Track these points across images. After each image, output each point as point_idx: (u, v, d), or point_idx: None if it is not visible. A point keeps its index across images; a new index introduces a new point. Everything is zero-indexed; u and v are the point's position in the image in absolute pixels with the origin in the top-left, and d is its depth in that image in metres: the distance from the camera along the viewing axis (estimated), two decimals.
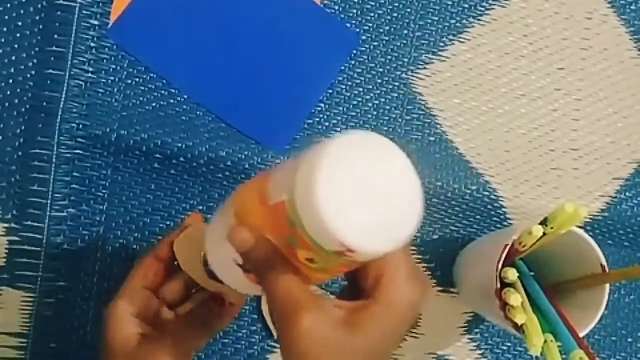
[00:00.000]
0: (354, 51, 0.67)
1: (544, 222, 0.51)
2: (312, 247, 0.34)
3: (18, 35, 0.62)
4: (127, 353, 0.47)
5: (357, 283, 0.39)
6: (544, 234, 0.51)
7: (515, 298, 0.51)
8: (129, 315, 0.49)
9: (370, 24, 0.67)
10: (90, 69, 0.63)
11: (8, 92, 0.61)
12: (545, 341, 0.51)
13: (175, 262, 0.51)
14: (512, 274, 0.52)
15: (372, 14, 0.67)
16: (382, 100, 0.67)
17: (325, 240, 0.33)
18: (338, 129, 0.66)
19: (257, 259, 0.37)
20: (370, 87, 0.67)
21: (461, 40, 0.68)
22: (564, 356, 0.50)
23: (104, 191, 0.63)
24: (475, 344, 0.68)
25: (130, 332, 0.48)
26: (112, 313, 0.49)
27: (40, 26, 0.62)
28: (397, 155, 0.35)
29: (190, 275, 0.50)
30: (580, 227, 0.55)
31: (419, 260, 0.67)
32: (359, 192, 0.33)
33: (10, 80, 0.61)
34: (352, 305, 0.37)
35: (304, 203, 0.33)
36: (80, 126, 0.62)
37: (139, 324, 0.49)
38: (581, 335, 0.53)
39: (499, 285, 0.53)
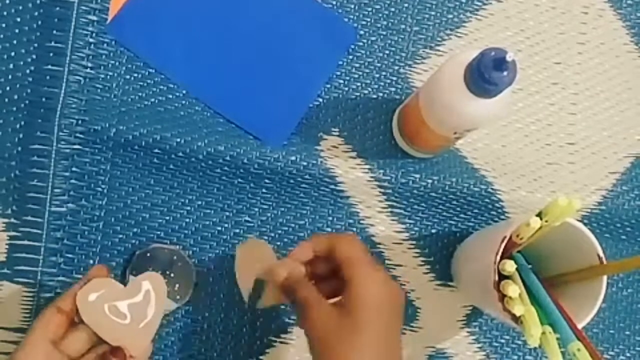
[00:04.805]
0: (352, 46, 0.67)
1: (538, 216, 0.52)
2: None
3: (17, 31, 0.62)
4: None
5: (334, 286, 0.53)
6: (540, 226, 0.51)
7: (514, 289, 0.51)
8: None
9: (368, 19, 0.67)
10: (89, 65, 0.63)
11: (7, 88, 0.61)
12: (544, 332, 0.51)
13: (78, 315, 0.52)
14: (510, 266, 0.52)
15: (369, 9, 0.67)
16: (380, 95, 0.67)
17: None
18: (337, 123, 0.66)
19: (289, 282, 0.53)
20: (368, 81, 0.67)
21: (458, 35, 0.69)
22: (562, 349, 0.50)
23: (103, 186, 0.63)
24: (474, 337, 0.68)
25: None
26: None
27: (39, 22, 0.62)
28: None
29: (92, 329, 0.52)
30: (577, 220, 0.55)
31: (417, 255, 0.67)
32: None
33: (10, 76, 0.61)
34: (342, 298, 0.51)
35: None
36: (80, 122, 0.62)
37: None
38: (579, 327, 0.53)
39: (497, 278, 0.54)
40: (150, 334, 0.54)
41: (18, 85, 0.61)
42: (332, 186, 0.65)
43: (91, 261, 0.63)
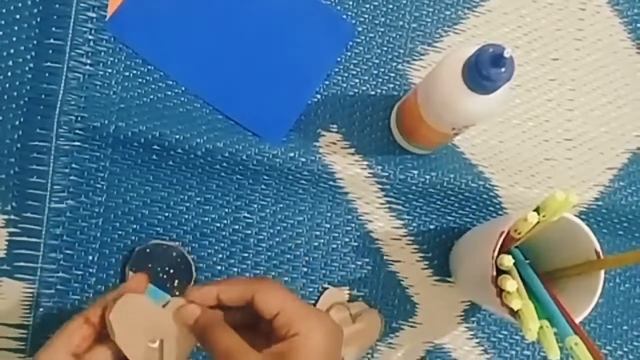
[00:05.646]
0: (350, 43, 0.67)
1: (536, 211, 0.52)
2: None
3: (16, 28, 0.62)
4: None
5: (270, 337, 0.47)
6: (538, 221, 0.52)
7: (511, 284, 0.51)
8: None
9: (366, 16, 0.67)
10: (89, 62, 0.63)
11: (7, 85, 0.61)
12: (541, 327, 0.51)
13: (106, 330, 0.47)
14: (507, 261, 0.53)
15: (367, 6, 0.67)
16: (378, 91, 0.67)
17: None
18: (335, 120, 0.66)
19: (201, 325, 0.47)
20: (366, 78, 0.67)
21: (456, 31, 0.69)
22: (559, 343, 0.51)
23: (102, 183, 0.63)
24: (472, 332, 0.68)
25: None
26: None
27: (38, 19, 0.62)
28: None
29: (121, 349, 0.47)
30: (575, 215, 0.56)
31: (416, 250, 0.67)
32: None
33: (9, 73, 0.61)
34: (274, 348, 0.45)
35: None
36: (79, 118, 0.62)
37: None
38: (577, 321, 0.53)
39: (495, 273, 0.54)
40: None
41: (17, 82, 0.62)
42: (331, 182, 0.65)
43: (90, 257, 0.63)
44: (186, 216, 0.65)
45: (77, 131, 0.62)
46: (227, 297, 0.47)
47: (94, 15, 0.63)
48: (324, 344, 0.45)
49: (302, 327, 0.44)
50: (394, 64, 0.68)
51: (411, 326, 0.67)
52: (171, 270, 0.62)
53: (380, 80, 0.67)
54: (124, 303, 0.48)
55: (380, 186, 0.66)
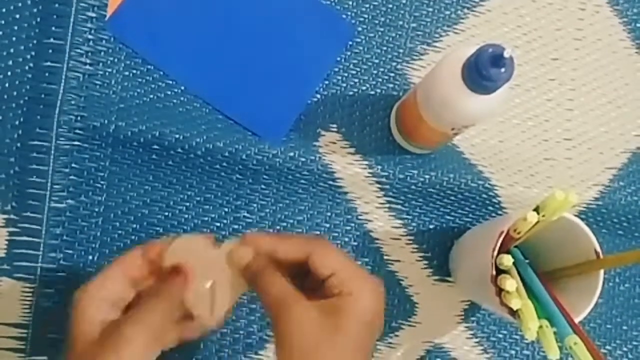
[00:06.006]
0: (350, 43, 0.67)
1: (536, 210, 0.52)
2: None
3: (16, 28, 0.62)
4: (93, 339, 0.45)
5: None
6: (537, 221, 0.52)
7: (511, 283, 0.51)
8: (99, 300, 0.47)
9: (366, 15, 0.67)
10: (88, 61, 0.63)
11: (6, 85, 0.61)
12: (541, 326, 0.51)
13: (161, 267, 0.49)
14: (507, 260, 0.53)
15: (367, 5, 0.67)
16: (378, 91, 0.67)
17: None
18: (335, 119, 0.66)
19: (253, 269, 0.48)
20: (366, 78, 0.67)
21: (456, 31, 0.69)
22: (559, 343, 0.51)
23: (102, 182, 0.63)
24: (471, 332, 0.68)
25: (99, 317, 0.46)
26: (82, 296, 0.46)
27: (38, 19, 0.62)
28: None
29: None
30: (574, 215, 0.56)
31: (415, 250, 0.67)
32: None
33: (9, 73, 0.61)
34: (328, 301, 0.46)
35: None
36: (79, 118, 0.62)
37: (110, 310, 0.47)
38: (576, 321, 0.53)
39: (494, 272, 0.54)
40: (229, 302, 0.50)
41: (17, 82, 0.62)
42: (331, 182, 0.65)
43: (90, 257, 0.63)
44: (186, 216, 0.65)
45: (77, 131, 0.62)
46: (284, 253, 0.48)
47: (93, 15, 0.63)
48: (374, 304, 0.46)
49: (355, 288, 0.46)
50: (394, 63, 0.68)
51: (411, 326, 0.67)
52: None
53: (380, 80, 0.67)
54: (180, 242, 0.49)
55: (379, 186, 0.66)
